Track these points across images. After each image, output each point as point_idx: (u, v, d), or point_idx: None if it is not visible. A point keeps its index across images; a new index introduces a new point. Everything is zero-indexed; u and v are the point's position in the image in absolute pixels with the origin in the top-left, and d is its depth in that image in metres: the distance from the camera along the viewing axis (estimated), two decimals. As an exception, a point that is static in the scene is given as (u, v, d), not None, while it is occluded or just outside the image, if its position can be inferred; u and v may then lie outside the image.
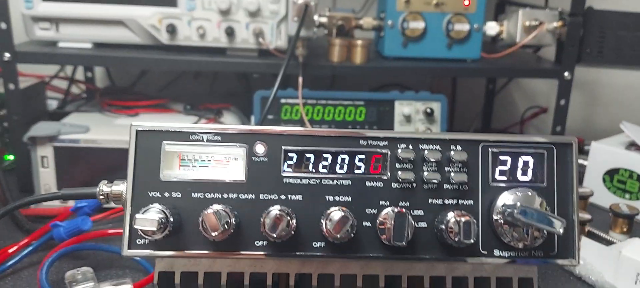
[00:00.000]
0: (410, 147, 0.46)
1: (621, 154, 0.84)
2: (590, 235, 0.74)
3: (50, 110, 0.99)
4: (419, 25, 0.87)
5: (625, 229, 0.75)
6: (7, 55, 0.78)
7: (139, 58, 0.84)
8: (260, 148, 0.44)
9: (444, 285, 0.49)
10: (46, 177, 0.78)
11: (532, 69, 0.96)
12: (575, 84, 0.91)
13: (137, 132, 0.43)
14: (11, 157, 0.90)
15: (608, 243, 0.71)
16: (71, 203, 0.73)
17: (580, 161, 0.90)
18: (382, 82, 1.15)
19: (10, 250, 0.64)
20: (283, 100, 0.88)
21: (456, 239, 0.43)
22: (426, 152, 0.46)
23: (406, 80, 1.12)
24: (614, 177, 0.86)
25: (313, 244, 0.45)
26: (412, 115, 0.90)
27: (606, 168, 0.86)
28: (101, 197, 0.46)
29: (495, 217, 0.45)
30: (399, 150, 0.45)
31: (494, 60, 0.92)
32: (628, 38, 0.88)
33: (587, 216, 0.73)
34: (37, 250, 0.65)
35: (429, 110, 0.89)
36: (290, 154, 0.45)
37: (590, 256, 0.65)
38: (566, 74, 0.90)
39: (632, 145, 0.86)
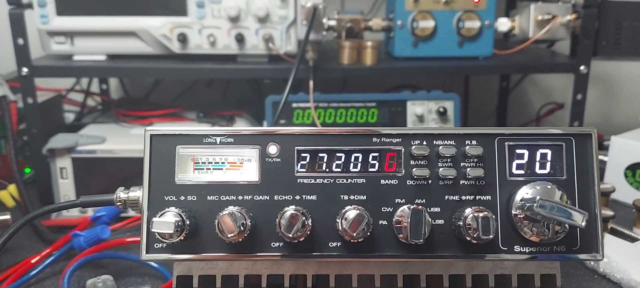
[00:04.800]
0: (424, 143, 0.45)
1: (642, 147, 0.82)
2: (614, 232, 0.72)
3: (67, 123, 1.01)
4: (429, 24, 0.86)
5: (650, 224, 0.73)
6: (24, 69, 0.80)
7: (152, 68, 0.85)
8: (273, 149, 0.44)
9: (464, 284, 0.48)
10: (65, 188, 0.79)
11: (547, 64, 0.95)
12: (591, 77, 0.90)
13: (152, 136, 0.44)
14: (31, 170, 0.91)
15: (633, 240, 0.69)
16: (90, 213, 0.74)
17: (600, 157, 0.88)
18: (393, 83, 1.14)
19: (33, 261, 0.65)
20: (295, 105, 0.88)
21: (475, 235, 0.43)
22: (441, 147, 0.45)
23: (418, 80, 1.11)
24: (636, 172, 0.84)
25: (329, 244, 0.45)
26: (424, 114, 0.89)
27: (628, 163, 0.84)
28: (118, 203, 0.46)
29: (514, 212, 0.45)
30: (413, 147, 0.45)
31: (506, 56, 0.91)
32: (645, 28, 0.86)
33: (609, 213, 0.71)
34: (58, 260, 0.66)
35: (441, 110, 0.89)
36: (303, 154, 0.45)
37: (614, 253, 0.63)
38: (582, 67, 0.88)
39: (653, 138, 0.84)
